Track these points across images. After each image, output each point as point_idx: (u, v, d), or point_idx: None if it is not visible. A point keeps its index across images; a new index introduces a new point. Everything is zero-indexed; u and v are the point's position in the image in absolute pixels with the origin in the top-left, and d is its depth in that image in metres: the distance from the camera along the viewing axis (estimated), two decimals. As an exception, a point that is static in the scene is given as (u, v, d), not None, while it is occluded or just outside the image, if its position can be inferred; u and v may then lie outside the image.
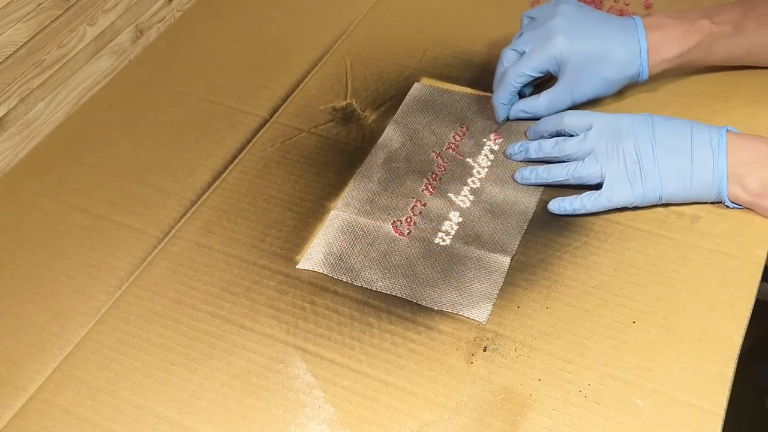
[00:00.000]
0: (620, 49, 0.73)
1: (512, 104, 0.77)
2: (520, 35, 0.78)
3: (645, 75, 0.75)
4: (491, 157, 0.77)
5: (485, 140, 0.78)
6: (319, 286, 0.68)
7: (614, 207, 0.68)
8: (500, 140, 0.78)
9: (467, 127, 0.79)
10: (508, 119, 0.78)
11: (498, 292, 0.65)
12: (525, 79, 0.75)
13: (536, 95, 0.76)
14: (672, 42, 0.74)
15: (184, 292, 0.69)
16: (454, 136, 0.79)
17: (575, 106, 0.76)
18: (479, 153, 0.77)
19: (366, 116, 0.83)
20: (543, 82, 0.78)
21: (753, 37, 0.75)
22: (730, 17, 0.74)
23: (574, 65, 0.73)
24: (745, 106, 0.77)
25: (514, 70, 0.75)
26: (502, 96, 0.76)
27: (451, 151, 0.77)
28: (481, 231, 0.70)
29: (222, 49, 0.94)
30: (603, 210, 0.69)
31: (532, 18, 0.78)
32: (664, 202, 0.68)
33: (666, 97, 0.79)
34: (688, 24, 0.74)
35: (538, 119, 0.76)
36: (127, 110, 0.87)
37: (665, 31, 0.74)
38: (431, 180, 0.75)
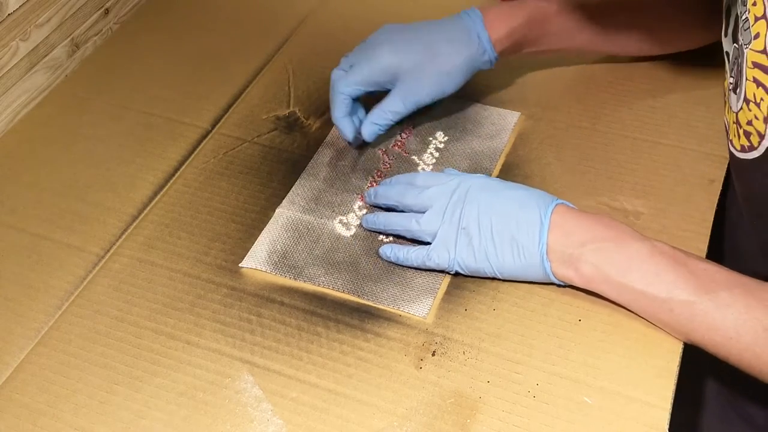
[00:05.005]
0: (449, 38, 0.73)
1: (352, 118, 0.75)
2: (346, 57, 0.77)
3: (490, 54, 0.74)
4: (436, 155, 0.77)
5: (431, 139, 0.78)
6: (265, 297, 0.67)
7: (433, 268, 0.66)
8: (446, 138, 0.78)
9: (413, 125, 0.80)
10: (362, 139, 0.75)
11: (439, 286, 0.66)
12: (354, 90, 0.73)
13: (379, 104, 0.74)
14: (500, 19, 0.74)
15: (127, 310, 0.67)
16: (400, 134, 0.79)
17: (423, 107, 0.75)
18: (425, 151, 0.77)
19: (310, 124, 0.82)
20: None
21: (579, 13, 0.76)
22: None
23: (406, 69, 0.73)
24: (682, 101, 0.79)
25: (342, 82, 0.73)
26: (337, 109, 0.74)
27: (396, 148, 0.78)
28: None
29: (161, 61, 0.92)
30: (424, 268, 0.66)
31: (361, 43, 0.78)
32: (490, 276, 0.64)
33: (606, 96, 0.81)
34: (516, 4, 0.75)
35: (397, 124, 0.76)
36: (64, 126, 0.85)
37: (494, 11, 0.74)
38: (376, 177, 0.75)
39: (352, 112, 0.75)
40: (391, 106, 0.74)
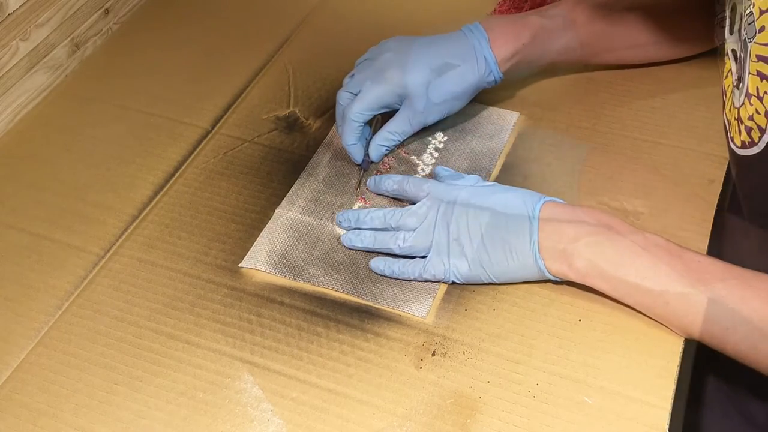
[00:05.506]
0: (456, 60, 0.73)
1: (362, 143, 0.75)
2: (351, 76, 0.77)
3: (496, 75, 0.74)
4: (435, 155, 0.77)
5: (431, 139, 0.78)
6: (265, 297, 0.67)
7: (429, 280, 0.65)
8: (445, 138, 0.78)
9: None
10: (370, 160, 0.75)
11: (438, 286, 0.66)
12: (364, 117, 0.73)
13: (386, 125, 0.75)
14: (506, 40, 0.74)
15: (127, 310, 0.67)
16: None
17: (430, 126, 0.76)
18: (424, 151, 0.77)
19: (310, 124, 0.82)
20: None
21: (583, 30, 0.77)
22: (560, 11, 0.77)
23: (414, 91, 0.72)
24: (682, 101, 0.79)
25: (351, 110, 0.73)
26: (348, 137, 0.74)
27: (396, 148, 0.78)
28: None
29: (162, 61, 0.92)
30: (421, 280, 0.66)
31: (364, 60, 0.77)
32: (487, 282, 0.65)
33: (606, 96, 0.81)
34: (520, 22, 0.75)
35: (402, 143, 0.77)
36: (64, 126, 0.85)
37: (498, 30, 0.74)
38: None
39: (361, 136, 0.75)
40: (398, 128, 0.74)
